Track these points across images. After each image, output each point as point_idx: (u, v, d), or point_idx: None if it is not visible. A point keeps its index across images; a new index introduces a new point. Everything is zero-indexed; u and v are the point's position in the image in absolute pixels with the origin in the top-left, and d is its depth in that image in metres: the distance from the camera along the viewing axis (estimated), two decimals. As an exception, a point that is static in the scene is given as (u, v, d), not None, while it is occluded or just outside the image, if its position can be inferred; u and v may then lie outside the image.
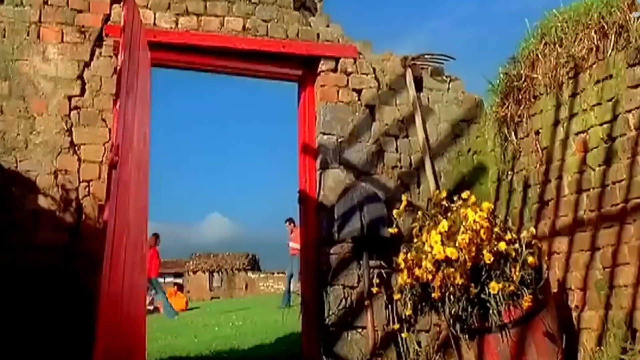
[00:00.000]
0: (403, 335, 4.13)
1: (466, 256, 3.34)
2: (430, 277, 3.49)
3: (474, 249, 3.33)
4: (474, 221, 3.44)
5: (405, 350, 4.45)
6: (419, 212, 3.90)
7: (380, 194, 4.61)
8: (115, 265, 3.32)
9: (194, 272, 37.28)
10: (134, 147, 3.69)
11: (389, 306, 4.54)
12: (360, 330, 4.44)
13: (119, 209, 3.34)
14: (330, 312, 4.41)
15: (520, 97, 4.57)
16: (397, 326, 4.14)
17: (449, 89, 5.09)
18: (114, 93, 3.94)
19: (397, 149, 4.81)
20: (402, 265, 3.59)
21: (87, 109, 4.16)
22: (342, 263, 4.49)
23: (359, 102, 4.78)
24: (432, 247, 3.43)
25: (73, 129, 4.12)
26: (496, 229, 3.47)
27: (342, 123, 4.70)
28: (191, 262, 38.21)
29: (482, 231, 3.43)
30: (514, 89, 4.63)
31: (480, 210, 3.47)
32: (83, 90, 4.18)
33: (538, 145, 4.45)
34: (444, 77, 5.10)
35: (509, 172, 4.80)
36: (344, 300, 4.45)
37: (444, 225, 3.42)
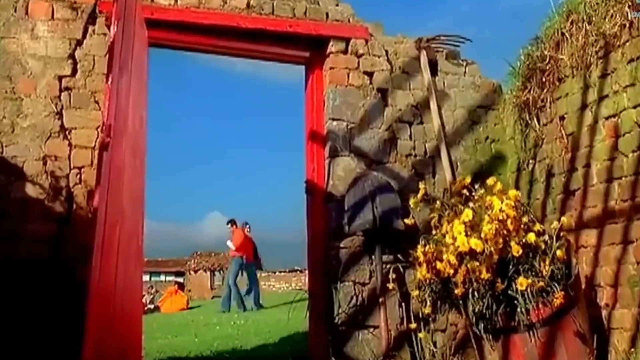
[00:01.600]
0: (420, 335, 3.82)
1: (492, 248, 3.04)
2: (451, 271, 3.19)
3: (500, 240, 3.03)
4: (500, 210, 3.13)
5: (420, 351, 4.14)
6: (437, 202, 3.59)
7: (393, 183, 4.31)
8: (107, 258, 3.02)
9: (195, 271, 37.05)
10: (129, 130, 3.39)
11: (403, 304, 4.24)
12: (372, 329, 4.13)
13: (111, 196, 3.04)
14: (340, 310, 4.10)
15: (543, 79, 4.26)
16: (414, 325, 3.83)
17: (465, 73, 4.79)
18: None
19: (411, 136, 4.51)
20: (421, 258, 3.28)
21: (79, 91, 3.86)
22: (353, 257, 4.19)
23: (370, 86, 4.48)
24: (454, 239, 3.12)
25: (63, 111, 3.82)
26: (524, 219, 3.17)
27: (352, 108, 4.39)
28: (192, 261, 37.99)
29: (509, 221, 3.13)
30: (536, 71, 4.32)
31: (506, 199, 3.16)
32: (74, 71, 3.88)
33: (563, 132, 4.14)
34: (460, 61, 4.80)
35: (530, 161, 4.49)
36: (354, 297, 4.15)
37: (467, 214, 3.12)
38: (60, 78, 3.85)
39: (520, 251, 3.07)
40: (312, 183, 4.38)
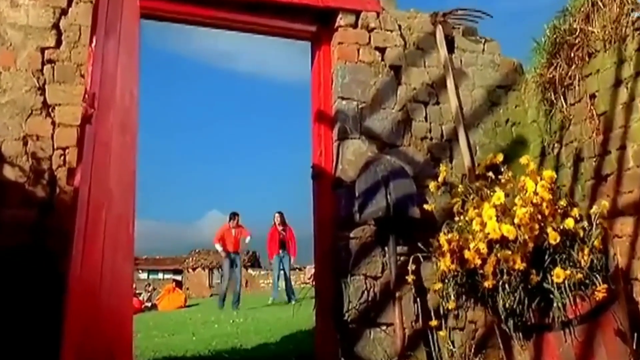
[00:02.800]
0: (440, 333, 3.46)
1: (526, 236, 2.68)
2: (479, 262, 2.83)
3: (536, 226, 2.67)
4: (534, 192, 2.78)
5: (437, 351, 3.79)
6: (460, 186, 3.24)
7: (407, 168, 3.95)
8: (90, 246, 2.67)
9: (194, 269, 36.78)
10: (117, 103, 3.03)
11: (418, 299, 3.88)
12: (384, 327, 3.78)
13: (96, 175, 2.68)
14: (350, 307, 3.74)
15: (571, 55, 3.90)
16: (435, 322, 3.48)
17: (483, 50, 4.43)
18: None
19: (426, 118, 4.15)
20: (445, 247, 2.92)
21: (63, 63, 3.50)
22: (364, 249, 3.83)
23: (382, 63, 4.12)
24: (482, 225, 2.77)
25: (46, 86, 3.45)
26: (562, 202, 2.81)
27: (363, 86, 4.03)
28: (190, 259, 37.70)
29: (544, 205, 2.77)
30: (563, 46, 3.97)
31: (541, 180, 2.81)
32: (59, 42, 3.51)
33: (594, 111, 3.78)
34: (478, 38, 4.45)
35: (556, 145, 4.13)
36: (365, 292, 3.79)
37: (499, 196, 2.76)
38: (42, 50, 3.48)
39: (558, 239, 2.72)
40: (319, 168, 4.02)
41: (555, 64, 4.02)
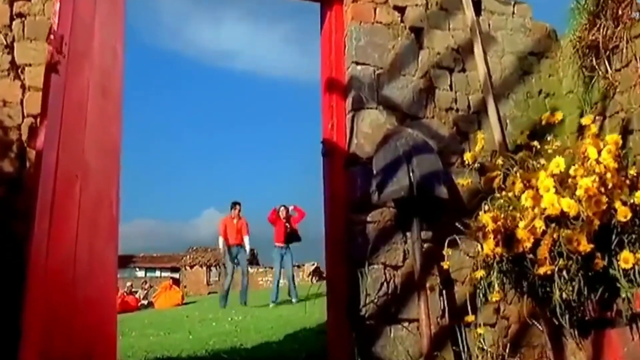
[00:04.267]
0: (480, 330, 2.98)
1: (591, 211, 2.20)
2: (529, 245, 2.34)
3: (604, 199, 2.18)
4: (597, 161, 2.29)
5: (467, 351, 3.31)
6: (500, 158, 2.75)
7: (431, 143, 3.47)
8: (59, 227, 2.18)
9: (191, 267, 36.33)
10: (95, 60, 2.54)
11: (444, 292, 3.40)
12: (407, 324, 3.30)
13: (67, 140, 2.19)
14: (368, 301, 3.26)
15: (619, 13, 3.42)
16: (471, 317, 3.00)
17: (513, 13, 3.95)
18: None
19: (451, 86, 3.66)
20: (490, 226, 2.43)
21: (35, 18, 3.00)
22: (383, 234, 3.34)
23: (402, 24, 3.63)
24: (536, 200, 2.28)
25: (15, 44, 2.96)
26: (631, 171, 2.33)
27: (380, 50, 3.54)
28: (188, 257, 37.26)
29: (608, 175, 2.29)
30: (608, 3, 3.48)
31: (606, 145, 2.32)
32: (30, -8, 3.03)
33: (645, 76, 3.31)
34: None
35: (597, 118, 3.65)
36: (385, 284, 3.30)
37: (558, 163, 2.27)
38: (11, 2, 2.99)
39: (629, 215, 2.23)
40: (331, 143, 3.53)
41: (598, 25, 3.53)
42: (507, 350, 3.35)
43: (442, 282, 3.40)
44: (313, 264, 31.81)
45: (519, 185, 2.47)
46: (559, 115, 2.76)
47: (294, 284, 11.21)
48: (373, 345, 3.23)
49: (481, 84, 3.68)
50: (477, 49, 3.69)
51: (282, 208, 11.03)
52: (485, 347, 3.29)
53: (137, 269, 41.46)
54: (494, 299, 2.59)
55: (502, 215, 2.46)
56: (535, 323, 3.33)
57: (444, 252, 3.04)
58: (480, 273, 2.63)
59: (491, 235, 2.45)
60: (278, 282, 10.95)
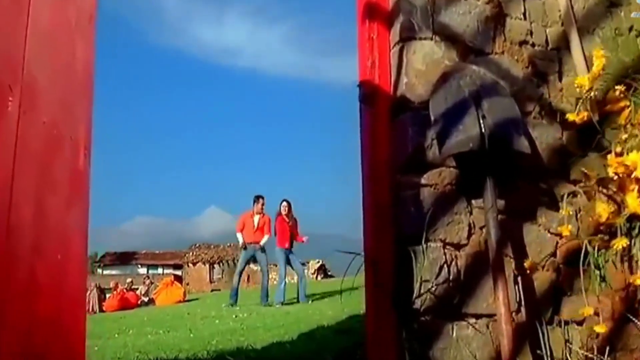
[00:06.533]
0: (597, 329, 2.17)
1: None
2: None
3: None
4: None
5: (550, 354, 2.51)
6: (617, 88, 1.94)
7: (503, 84, 2.66)
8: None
9: (194, 264, 35.77)
10: None
11: (519, 279, 2.59)
12: (473, 320, 2.49)
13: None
14: (423, 289, 2.44)
15: None
16: (590, 311, 2.18)
17: None
18: None
19: (525, 15, 2.85)
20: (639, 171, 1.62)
21: None
22: (442, 202, 2.52)
23: None
24: None
25: None
26: None
27: (435, -35, 2.73)
28: (191, 254, 36.72)
29: None
30: None
31: None
32: None
33: None
34: None
35: None
36: (446, 267, 2.49)
37: None
38: None
39: None
40: (370, 86, 2.71)
41: None
42: (605, 355, 2.54)
43: (517, 266, 2.59)
44: (318, 262, 31.11)
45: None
46: None
47: (305, 284, 10.74)
48: (430, 348, 2.42)
49: (562, 13, 2.87)
50: (557, -31, 2.88)
51: (285, 203, 10.56)
52: (576, 349, 2.49)
53: (139, 266, 41.05)
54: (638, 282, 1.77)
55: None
56: (635, 320, 2.56)
57: (562, 211, 2.21)
58: (622, 242, 1.81)
59: (635, 187, 1.64)
60: (284, 283, 10.38)
